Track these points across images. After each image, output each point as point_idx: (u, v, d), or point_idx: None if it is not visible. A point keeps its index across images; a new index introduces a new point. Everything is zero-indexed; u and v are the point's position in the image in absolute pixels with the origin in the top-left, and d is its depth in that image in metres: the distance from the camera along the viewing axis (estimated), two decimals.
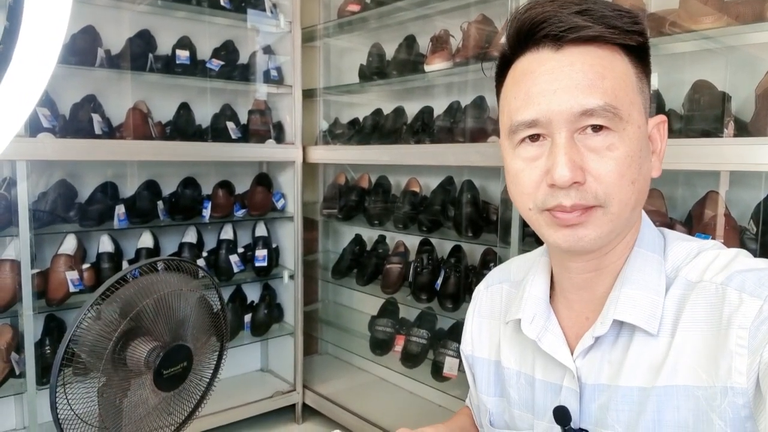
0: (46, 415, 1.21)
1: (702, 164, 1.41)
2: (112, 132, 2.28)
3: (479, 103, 2.22)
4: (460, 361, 2.21)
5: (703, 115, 1.51)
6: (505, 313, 0.80)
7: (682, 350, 0.62)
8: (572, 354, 0.69)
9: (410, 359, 2.40)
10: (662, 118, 0.69)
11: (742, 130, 1.47)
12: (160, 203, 2.41)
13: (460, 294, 2.25)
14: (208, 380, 1.42)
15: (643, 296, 0.65)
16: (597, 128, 0.62)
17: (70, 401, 1.20)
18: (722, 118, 1.48)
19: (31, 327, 1.98)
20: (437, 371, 2.27)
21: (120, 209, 2.28)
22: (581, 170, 0.61)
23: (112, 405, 1.23)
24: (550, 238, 0.66)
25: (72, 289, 2.13)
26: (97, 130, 2.18)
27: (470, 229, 2.17)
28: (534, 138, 0.65)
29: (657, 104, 1.59)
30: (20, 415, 2.23)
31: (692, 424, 0.60)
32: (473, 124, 2.18)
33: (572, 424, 0.67)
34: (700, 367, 0.60)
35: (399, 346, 2.48)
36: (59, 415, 1.19)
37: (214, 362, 1.44)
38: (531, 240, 1.88)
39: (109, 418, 1.22)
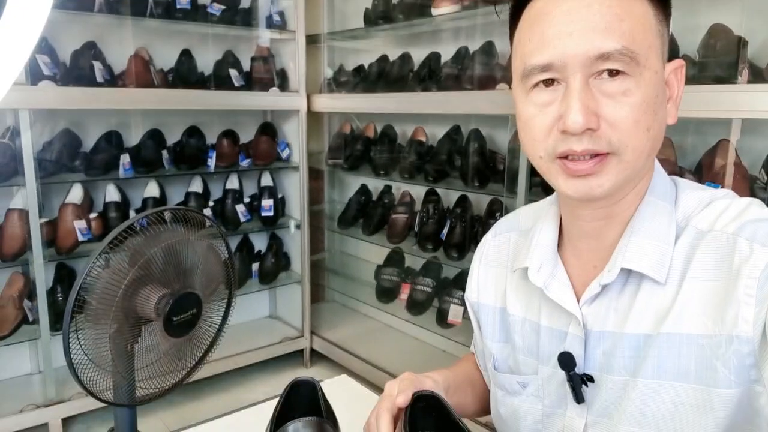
0: (59, 360, 1.24)
1: (715, 111, 1.38)
2: (113, 80, 2.25)
3: (488, 48, 2.16)
4: (465, 309, 2.25)
5: (718, 61, 1.47)
6: (512, 262, 0.80)
7: (688, 299, 0.62)
8: (578, 302, 0.69)
9: (415, 307, 2.44)
10: (680, 62, 0.67)
11: (757, 76, 1.43)
12: (164, 153, 2.40)
13: (465, 243, 2.26)
14: (217, 326, 1.44)
15: (652, 245, 0.64)
16: (613, 73, 0.60)
17: (83, 346, 1.23)
18: (737, 64, 1.44)
19: (42, 275, 2.01)
20: (442, 318, 2.30)
21: (125, 159, 2.27)
22: (595, 116, 0.60)
23: (124, 350, 1.26)
24: (562, 187, 0.65)
25: (80, 238, 2.15)
26: (99, 78, 2.15)
27: (477, 179, 2.15)
28: (548, 83, 0.63)
29: (671, 49, 1.54)
30: (35, 359, 2.29)
31: (693, 371, 0.61)
32: (482, 70, 2.13)
33: (576, 370, 0.68)
34: (706, 316, 0.60)
35: (404, 294, 2.51)
36: (73, 360, 1.22)
37: (223, 309, 1.46)
38: (538, 190, 1.87)
39: (121, 363, 1.25)
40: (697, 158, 1.63)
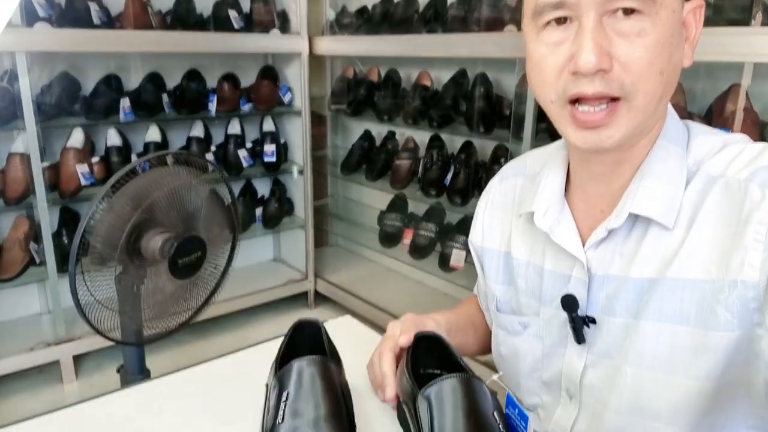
0: (68, 300, 1.26)
1: (727, 55, 1.35)
2: (110, 22, 2.19)
3: None
4: (467, 253, 2.27)
5: (732, 3, 1.42)
6: (518, 206, 0.80)
7: (695, 244, 0.62)
8: (583, 246, 0.69)
9: (418, 251, 2.46)
10: (699, 2, 0.64)
11: None
12: (164, 96, 2.37)
13: (469, 189, 2.25)
14: (222, 269, 1.46)
15: (662, 190, 0.64)
16: (628, 11, 0.58)
17: (89, 288, 1.25)
18: (751, 7, 1.39)
19: (47, 218, 2.02)
20: (444, 262, 2.33)
21: (125, 102, 2.24)
22: (608, 56, 0.58)
23: (130, 291, 1.28)
24: (571, 137, 0.64)
25: (83, 182, 2.15)
26: (95, 20, 2.09)
27: (482, 125, 2.12)
28: (560, 21, 0.61)
29: None
30: (44, 300, 2.34)
31: (694, 316, 0.61)
32: (489, 12, 2.06)
33: (579, 312, 0.69)
34: (711, 262, 0.60)
35: (407, 239, 2.53)
36: (80, 301, 1.24)
37: (228, 252, 1.48)
38: (544, 136, 1.85)
39: (128, 303, 1.28)
40: (708, 103, 1.60)
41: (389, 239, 2.59)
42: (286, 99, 2.65)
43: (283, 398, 0.57)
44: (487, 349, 0.90)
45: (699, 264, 0.61)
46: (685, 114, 1.58)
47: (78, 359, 2.23)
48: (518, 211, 0.79)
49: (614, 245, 0.67)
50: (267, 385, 0.62)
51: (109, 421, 0.67)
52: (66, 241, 2.17)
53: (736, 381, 0.61)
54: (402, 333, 0.70)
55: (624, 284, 0.66)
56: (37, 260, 2.13)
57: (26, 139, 1.96)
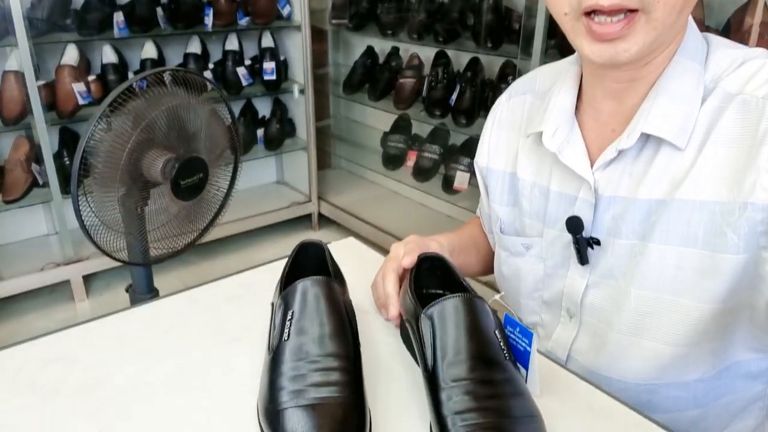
0: (74, 222, 1.27)
1: None
2: None
3: None
4: (471, 175, 2.25)
5: None
6: (526, 126, 0.78)
7: (707, 165, 0.60)
8: (592, 166, 0.68)
9: (422, 173, 2.44)
10: None
11: None
12: (159, 10, 2.27)
13: (474, 109, 2.20)
14: (225, 191, 1.46)
15: (676, 108, 0.61)
16: None
17: (93, 209, 1.25)
18: None
19: (47, 138, 2.00)
20: (448, 185, 2.32)
21: (119, 17, 2.15)
22: None
23: (134, 213, 1.28)
24: (585, 50, 0.60)
25: (81, 101, 2.11)
26: None
27: (490, 40, 2.04)
28: None
29: None
30: (50, 221, 2.36)
31: (701, 238, 0.61)
32: None
33: (583, 234, 0.68)
34: (722, 183, 0.59)
35: (411, 161, 2.51)
36: (85, 222, 1.24)
37: (230, 174, 1.47)
38: (554, 52, 1.78)
39: (132, 224, 1.28)
40: (726, 17, 1.53)
41: (392, 161, 2.57)
42: (285, 12, 2.54)
43: (288, 317, 0.57)
44: (489, 269, 0.91)
45: (710, 185, 0.60)
46: (702, 28, 1.51)
47: (88, 279, 2.28)
48: (526, 131, 0.77)
49: (623, 166, 0.66)
50: (272, 305, 0.63)
51: (118, 338, 0.68)
52: (68, 162, 2.16)
53: (739, 304, 0.62)
54: (405, 254, 0.71)
55: (631, 206, 0.65)
56: (41, 181, 2.13)
57: (19, 57, 1.91)
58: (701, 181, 0.60)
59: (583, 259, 0.69)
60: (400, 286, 0.70)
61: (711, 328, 0.63)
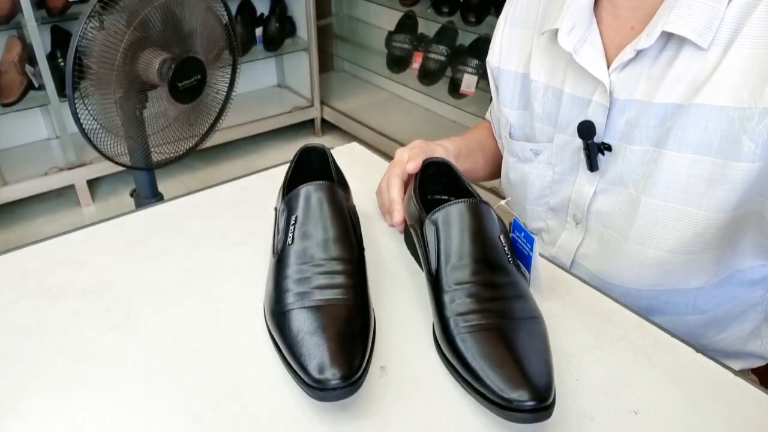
0: (74, 126, 1.24)
1: None
2: None
3: None
4: (479, 78, 2.18)
5: None
6: (540, 23, 0.73)
7: (730, 67, 0.57)
8: (608, 68, 0.64)
9: (427, 76, 2.37)
10: None
11: None
12: None
13: (485, 5, 2.09)
14: (224, 94, 1.42)
15: (702, 4, 0.57)
16: None
17: (92, 113, 1.22)
18: None
19: (38, 38, 1.92)
20: (455, 88, 2.25)
21: None
22: None
23: (133, 116, 1.26)
24: None
25: None
26: None
27: None
28: None
29: None
30: (50, 125, 2.33)
31: (716, 145, 0.58)
32: None
33: (595, 139, 0.66)
34: (745, 87, 0.56)
35: (417, 63, 2.42)
36: (84, 126, 1.22)
37: (229, 76, 1.42)
38: None
39: (132, 128, 1.26)
40: None
41: (397, 63, 2.48)
42: None
43: (292, 222, 0.57)
44: (494, 174, 0.89)
45: (731, 89, 0.57)
46: None
47: (93, 184, 2.28)
48: (541, 28, 0.72)
49: (641, 67, 0.62)
50: (275, 210, 0.63)
51: (124, 241, 0.69)
52: (62, 64, 2.09)
53: (748, 212, 0.61)
54: (410, 159, 0.69)
55: (647, 110, 0.62)
56: (36, 84, 2.08)
57: None
58: (723, 86, 0.57)
59: (593, 166, 0.67)
60: (405, 192, 0.69)
61: (717, 236, 0.62)
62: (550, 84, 0.72)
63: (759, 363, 0.77)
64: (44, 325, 0.56)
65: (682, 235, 0.63)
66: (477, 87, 2.18)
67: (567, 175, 0.73)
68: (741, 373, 0.51)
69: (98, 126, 1.25)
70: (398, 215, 0.68)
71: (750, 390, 0.49)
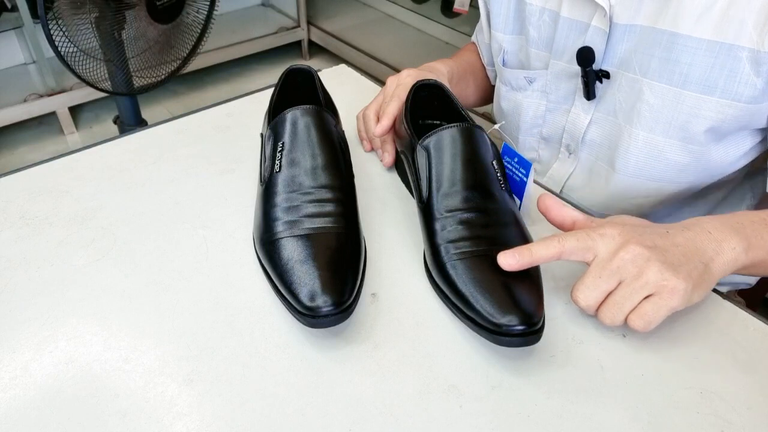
0: (51, 49, 1.19)
1: None
2: None
3: None
4: None
5: None
6: None
7: (745, 1, 0.53)
8: None
9: None
10: None
11: None
12: None
13: None
14: (206, 13, 1.35)
15: None
16: None
17: (67, 34, 1.17)
18: None
19: None
20: (447, 7, 2.17)
21: None
22: None
23: (112, 38, 1.20)
24: None
25: None
26: None
27: None
28: None
29: None
30: (26, 49, 2.23)
31: (722, 85, 0.56)
32: None
33: (594, 66, 0.63)
34: (760, 26, 0.53)
35: None
36: (60, 49, 1.17)
37: None
38: None
39: (111, 51, 1.21)
40: None
41: None
42: None
43: (279, 148, 0.55)
44: (485, 99, 0.87)
45: (744, 26, 0.53)
46: None
47: (75, 111, 2.22)
48: None
49: None
50: (262, 135, 0.61)
51: (108, 169, 0.67)
52: None
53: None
54: (383, 115, 0.64)
55: (648, 36, 0.59)
56: (8, 4, 1.96)
57: None
58: (735, 19, 0.53)
59: (590, 94, 0.65)
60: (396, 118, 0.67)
61: (704, 174, 0.61)
62: (546, 7, 0.68)
63: (744, 286, 0.78)
64: (29, 255, 0.55)
65: (680, 166, 0.62)
66: (471, 5, 2.09)
67: (562, 104, 0.70)
68: (728, 295, 0.52)
69: (75, 49, 1.20)
70: (389, 157, 0.66)
71: (738, 313, 0.50)
